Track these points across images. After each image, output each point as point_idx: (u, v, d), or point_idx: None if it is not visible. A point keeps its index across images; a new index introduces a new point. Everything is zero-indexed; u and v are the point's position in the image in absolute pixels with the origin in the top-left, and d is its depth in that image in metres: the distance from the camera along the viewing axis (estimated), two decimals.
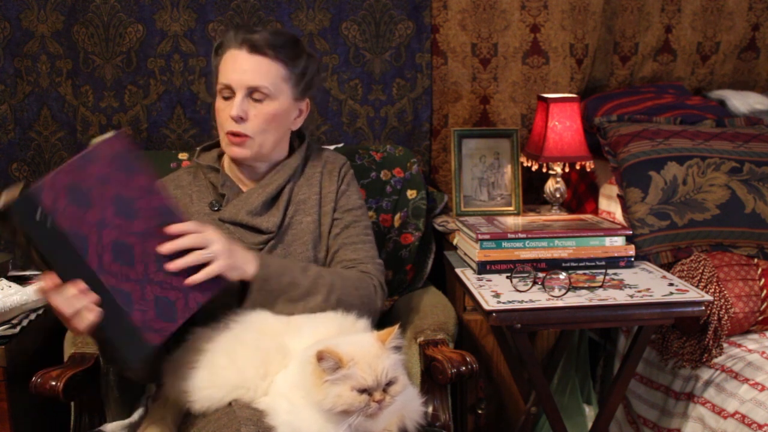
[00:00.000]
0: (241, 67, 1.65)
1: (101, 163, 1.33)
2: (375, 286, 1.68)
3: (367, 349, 1.36)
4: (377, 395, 1.33)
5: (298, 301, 1.56)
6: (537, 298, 1.77)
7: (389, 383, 1.35)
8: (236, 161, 1.74)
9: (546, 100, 2.38)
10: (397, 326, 1.41)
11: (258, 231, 1.70)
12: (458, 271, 2.01)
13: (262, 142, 1.69)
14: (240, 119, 1.65)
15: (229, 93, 1.66)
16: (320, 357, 1.32)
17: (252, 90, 1.65)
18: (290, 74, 1.70)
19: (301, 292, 1.56)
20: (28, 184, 1.24)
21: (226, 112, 1.66)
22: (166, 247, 1.39)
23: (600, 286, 1.85)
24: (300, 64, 1.72)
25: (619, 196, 2.25)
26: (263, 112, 1.67)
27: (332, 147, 2.23)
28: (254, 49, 1.66)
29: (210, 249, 1.43)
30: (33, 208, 1.23)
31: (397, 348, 1.41)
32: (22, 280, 2.06)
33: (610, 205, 2.43)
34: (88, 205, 1.30)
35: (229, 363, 1.46)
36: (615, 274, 1.96)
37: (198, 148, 1.85)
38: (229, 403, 1.45)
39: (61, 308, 1.29)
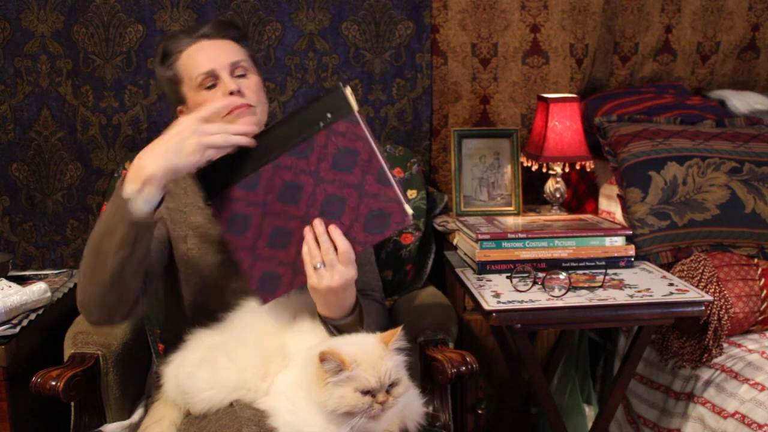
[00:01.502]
0: (213, 53, 1.62)
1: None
2: (386, 315, 1.73)
3: (370, 350, 1.36)
4: (380, 397, 1.33)
5: None
6: (537, 298, 1.77)
7: (392, 384, 1.35)
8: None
9: (546, 100, 2.38)
10: (400, 328, 1.41)
11: None
12: (458, 271, 2.00)
13: (262, 112, 1.67)
14: (239, 92, 1.61)
15: (212, 80, 1.61)
16: (323, 358, 1.32)
17: (234, 66, 1.63)
18: (249, 52, 1.70)
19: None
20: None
21: (216, 97, 1.61)
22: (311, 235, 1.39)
23: (600, 286, 1.85)
24: (250, 45, 1.73)
25: (619, 196, 2.25)
26: (252, 83, 1.64)
27: None
28: (214, 35, 1.65)
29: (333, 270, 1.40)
30: None
31: (402, 350, 1.41)
32: (22, 280, 2.06)
33: (610, 205, 2.43)
34: None
35: (230, 363, 1.46)
36: (615, 274, 1.96)
37: None
38: (231, 404, 1.45)
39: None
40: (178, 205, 1.70)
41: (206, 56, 1.62)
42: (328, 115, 1.37)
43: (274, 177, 1.40)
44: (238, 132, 1.38)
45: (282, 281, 1.43)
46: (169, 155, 1.35)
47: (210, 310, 1.59)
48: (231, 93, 1.59)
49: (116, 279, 1.42)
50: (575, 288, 1.83)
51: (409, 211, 1.37)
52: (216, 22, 1.69)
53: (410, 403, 1.45)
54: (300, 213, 1.39)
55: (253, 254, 1.42)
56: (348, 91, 1.37)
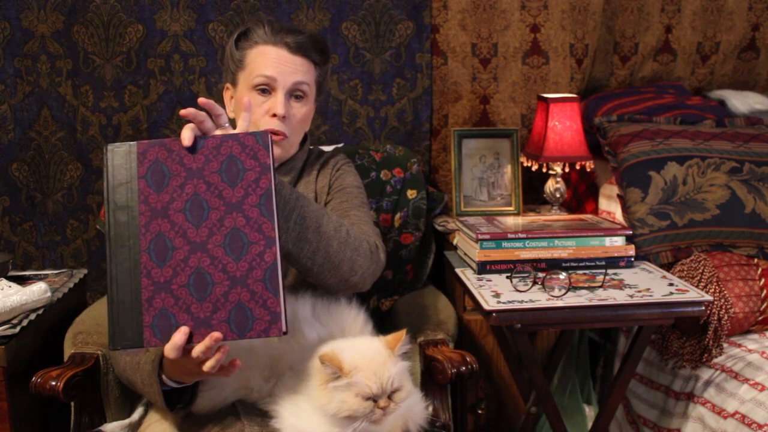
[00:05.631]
0: (285, 65, 1.62)
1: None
2: (369, 243, 1.54)
3: (373, 356, 1.35)
4: (382, 402, 1.33)
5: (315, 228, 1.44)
6: (537, 298, 1.77)
7: (394, 390, 1.35)
8: None
9: (546, 100, 2.38)
10: (404, 331, 1.40)
11: None
12: (458, 271, 2.00)
13: (293, 142, 1.68)
14: (283, 118, 1.61)
15: (268, 87, 1.61)
16: (323, 362, 1.32)
17: (295, 87, 1.63)
18: (319, 77, 1.70)
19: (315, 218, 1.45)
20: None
21: (262, 108, 1.62)
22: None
23: (600, 286, 1.85)
24: (327, 68, 1.72)
25: (619, 196, 2.25)
26: (301, 113, 1.65)
27: (332, 147, 2.23)
28: (296, 50, 1.63)
29: None
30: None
31: (404, 354, 1.41)
32: (22, 280, 2.06)
33: (610, 205, 2.43)
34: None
35: None
36: (615, 274, 1.96)
37: None
38: (233, 404, 1.45)
39: None
40: None
41: (276, 64, 1.62)
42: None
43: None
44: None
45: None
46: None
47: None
48: (274, 115, 1.59)
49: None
50: (575, 288, 1.83)
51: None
52: (306, 40, 1.65)
53: (413, 406, 1.45)
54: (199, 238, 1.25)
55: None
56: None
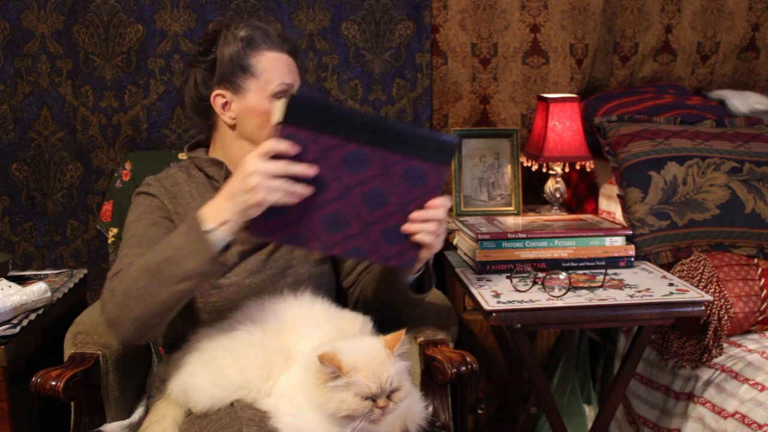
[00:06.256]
0: (293, 70, 1.68)
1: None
2: None
3: (372, 355, 1.35)
4: (381, 402, 1.33)
5: None
6: (537, 298, 1.77)
7: (393, 390, 1.35)
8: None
9: (546, 100, 2.38)
10: (403, 331, 1.40)
11: None
12: (458, 271, 2.00)
13: None
14: None
15: (283, 95, 1.63)
16: (320, 362, 1.32)
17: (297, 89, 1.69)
18: None
19: None
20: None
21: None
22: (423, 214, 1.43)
23: (600, 286, 1.85)
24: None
25: (619, 196, 2.25)
26: None
27: None
28: (293, 53, 1.69)
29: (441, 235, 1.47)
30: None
31: (403, 354, 1.41)
32: (22, 280, 2.06)
33: (610, 205, 2.43)
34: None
35: (233, 363, 1.46)
36: (615, 274, 1.96)
37: (186, 146, 1.83)
38: (231, 404, 1.45)
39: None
40: (186, 210, 1.68)
41: (290, 71, 1.66)
42: (431, 154, 1.41)
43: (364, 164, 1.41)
44: (299, 174, 1.37)
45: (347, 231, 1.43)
46: (238, 201, 1.37)
47: (219, 310, 1.59)
48: None
49: (169, 306, 1.43)
50: (575, 288, 1.83)
51: (407, 263, 1.47)
52: (295, 44, 1.71)
53: (413, 406, 1.45)
54: (350, 183, 1.40)
55: (302, 217, 1.41)
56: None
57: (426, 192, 1.42)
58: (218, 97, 1.65)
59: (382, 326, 1.55)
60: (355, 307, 1.73)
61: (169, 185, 1.70)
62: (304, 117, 1.36)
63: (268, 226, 1.38)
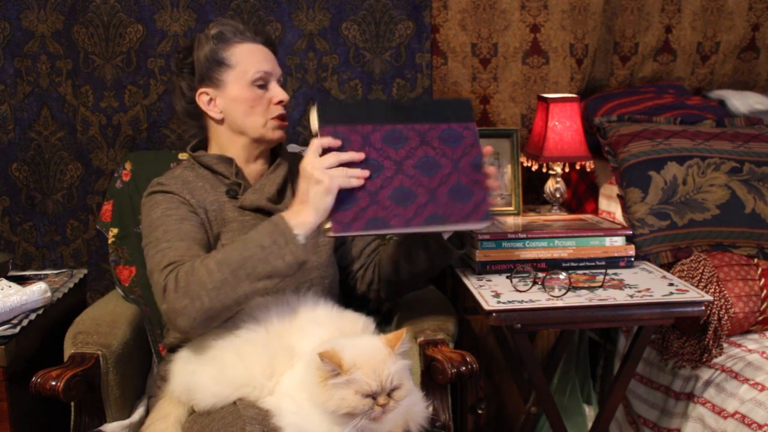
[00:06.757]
0: (271, 60, 1.77)
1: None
2: None
3: (373, 353, 1.36)
4: (381, 400, 1.33)
5: None
6: (537, 298, 1.77)
7: (394, 388, 1.35)
8: (268, 143, 1.79)
9: (546, 100, 2.38)
10: (404, 330, 1.41)
11: None
12: (458, 271, 2.01)
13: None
14: (285, 103, 1.77)
15: (263, 82, 1.73)
16: (321, 360, 1.32)
17: (278, 77, 1.78)
18: None
19: None
20: None
21: (265, 99, 1.73)
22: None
23: (600, 286, 1.85)
24: None
25: (619, 196, 2.25)
26: (286, 98, 1.79)
27: None
28: (268, 44, 1.78)
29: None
30: None
31: (404, 353, 1.41)
32: (22, 280, 2.06)
33: (610, 205, 2.43)
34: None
35: (237, 361, 1.46)
36: (615, 274, 1.96)
37: (188, 148, 1.84)
38: (234, 402, 1.46)
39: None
40: (205, 204, 1.69)
41: (266, 59, 1.76)
42: (453, 116, 1.61)
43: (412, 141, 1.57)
44: (351, 159, 1.50)
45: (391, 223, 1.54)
46: (311, 196, 1.48)
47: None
48: (280, 102, 1.73)
49: (241, 302, 1.47)
50: (575, 288, 1.83)
51: (487, 214, 1.58)
52: (269, 36, 1.82)
53: (414, 405, 1.45)
54: (398, 157, 1.54)
55: (373, 198, 1.52)
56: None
57: (468, 146, 1.59)
58: (203, 95, 1.75)
59: (382, 326, 1.56)
60: (368, 288, 1.85)
61: (180, 184, 1.72)
62: (334, 116, 1.53)
63: (347, 216, 1.50)
